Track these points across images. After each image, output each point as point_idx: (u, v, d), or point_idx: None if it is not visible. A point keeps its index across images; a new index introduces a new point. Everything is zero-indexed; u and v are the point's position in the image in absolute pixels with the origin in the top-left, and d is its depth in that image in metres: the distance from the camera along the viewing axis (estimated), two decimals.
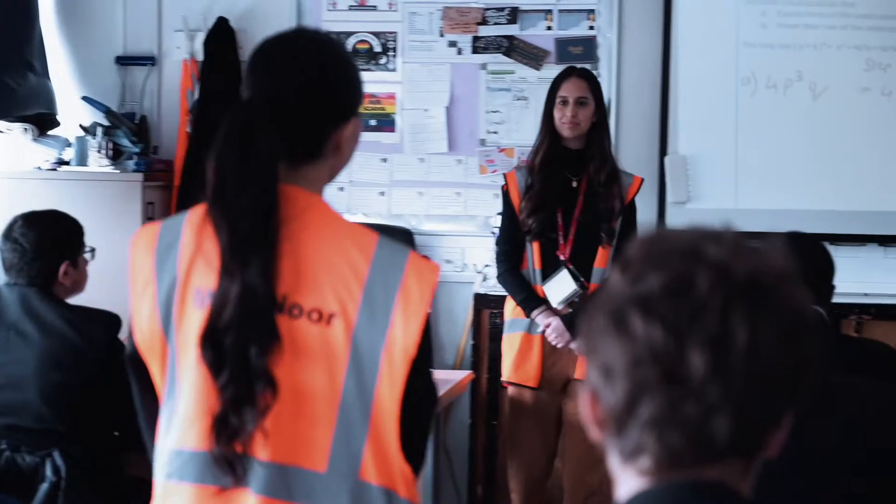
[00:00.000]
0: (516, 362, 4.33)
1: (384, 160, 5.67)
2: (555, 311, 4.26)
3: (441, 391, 3.76)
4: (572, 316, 4.22)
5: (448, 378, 4.44)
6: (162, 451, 1.95)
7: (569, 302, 4.24)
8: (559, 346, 4.23)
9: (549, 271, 4.27)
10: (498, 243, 4.49)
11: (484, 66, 5.60)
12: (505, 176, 4.43)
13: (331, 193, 5.71)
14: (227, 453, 1.85)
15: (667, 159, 5.49)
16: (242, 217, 1.85)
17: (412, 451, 1.96)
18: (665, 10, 5.49)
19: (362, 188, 5.69)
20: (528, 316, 4.31)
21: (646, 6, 5.55)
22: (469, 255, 5.59)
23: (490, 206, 5.49)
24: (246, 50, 5.73)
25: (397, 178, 5.67)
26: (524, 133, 5.59)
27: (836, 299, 5.37)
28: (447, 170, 5.63)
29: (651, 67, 5.55)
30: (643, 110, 5.59)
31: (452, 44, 5.63)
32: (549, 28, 5.62)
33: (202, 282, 1.91)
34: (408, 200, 5.66)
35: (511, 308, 4.39)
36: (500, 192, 4.49)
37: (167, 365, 1.94)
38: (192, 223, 1.94)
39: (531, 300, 4.29)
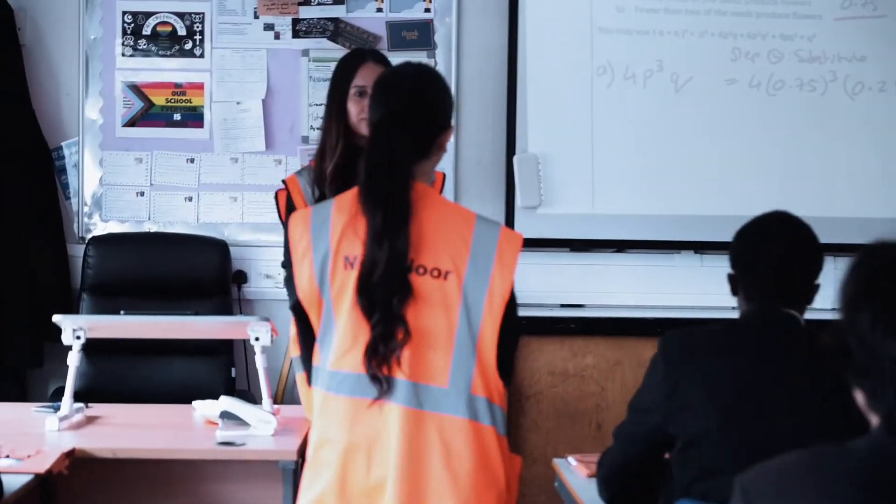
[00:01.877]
0: None
1: (191, 160, 5.14)
2: None
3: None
4: None
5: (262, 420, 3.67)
6: (321, 372, 2.68)
7: None
8: None
9: None
10: (285, 266, 3.74)
11: (306, 53, 5.13)
12: (285, 183, 3.78)
13: (130, 200, 5.08)
14: (375, 372, 2.59)
15: (515, 159, 5.04)
16: (392, 202, 2.60)
17: (505, 370, 2.69)
18: None
19: (166, 193, 5.16)
20: None
21: None
22: None
23: None
24: (25, 31, 5.08)
25: (206, 181, 5.15)
26: None
27: (701, 315, 5.08)
28: (264, 171, 5.13)
29: (496, 56, 5.11)
30: (487, 104, 5.13)
31: (269, 27, 5.13)
32: (380, 10, 5.17)
33: (350, 250, 2.64)
34: (219, 207, 5.15)
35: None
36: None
37: (323, 312, 2.66)
38: (340, 207, 2.68)
39: None
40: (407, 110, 2.71)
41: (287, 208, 3.75)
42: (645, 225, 5.04)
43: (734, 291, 2.75)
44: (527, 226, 4.95)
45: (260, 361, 3.70)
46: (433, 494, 2.60)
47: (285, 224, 3.80)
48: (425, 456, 2.60)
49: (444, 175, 4.05)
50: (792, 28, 5.09)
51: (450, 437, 2.61)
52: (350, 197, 2.69)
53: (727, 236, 4.89)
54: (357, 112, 3.66)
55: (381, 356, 2.59)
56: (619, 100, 5.05)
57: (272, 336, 3.69)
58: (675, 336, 2.68)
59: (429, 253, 2.64)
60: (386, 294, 2.59)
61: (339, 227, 2.67)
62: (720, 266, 4.98)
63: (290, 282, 3.78)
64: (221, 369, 4.81)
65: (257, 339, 3.67)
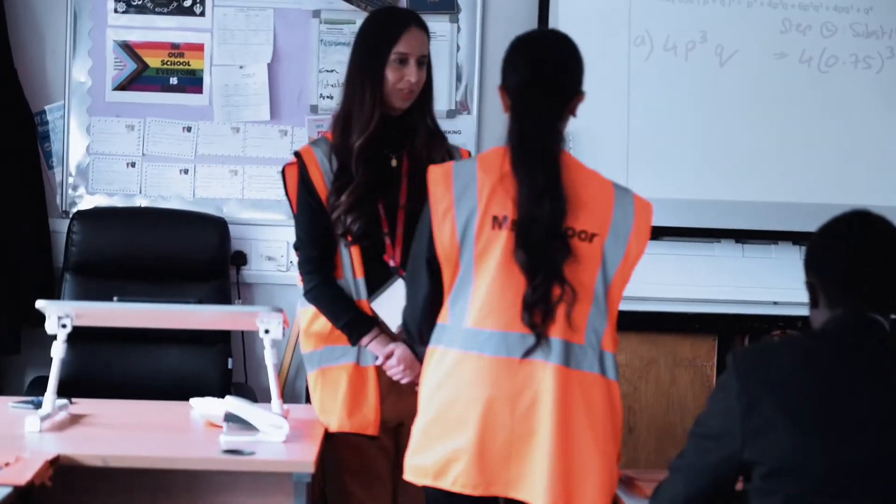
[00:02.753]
0: (349, 406, 3.42)
1: (188, 129, 4.90)
2: (391, 336, 3.40)
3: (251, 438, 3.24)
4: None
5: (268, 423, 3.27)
6: (453, 330, 2.85)
7: None
8: (404, 380, 3.38)
9: (375, 281, 3.42)
10: (299, 248, 3.52)
11: (317, 14, 4.89)
12: (298, 155, 3.46)
13: (119, 171, 4.76)
14: (535, 329, 2.79)
15: None
16: (548, 163, 2.83)
17: None
18: None
19: (159, 164, 4.91)
20: (353, 343, 3.40)
21: None
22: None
23: None
24: (16, 17, 4.81)
25: (204, 152, 4.91)
26: None
27: (742, 310, 4.79)
28: (269, 143, 4.91)
29: (524, 22, 4.82)
30: None
31: None
32: None
33: (499, 210, 2.83)
34: (218, 181, 4.92)
35: (319, 332, 3.46)
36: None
37: (460, 270, 2.85)
38: (486, 167, 2.87)
39: (360, 323, 3.39)
40: (550, 76, 2.89)
41: (301, 183, 3.40)
42: (682, 210, 4.78)
43: (813, 302, 2.53)
44: None
45: (270, 357, 3.30)
46: (580, 449, 2.79)
47: (294, 203, 3.49)
48: (574, 412, 2.78)
49: (470, 153, 3.75)
50: None
51: (588, 392, 2.81)
52: (497, 157, 2.85)
53: (771, 224, 4.71)
54: (395, 80, 3.34)
55: (541, 313, 2.77)
56: (658, 73, 4.81)
57: (283, 328, 3.31)
58: (748, 351, 2.50)
59: (579, 215, 2.83)
60: (547, 253, 2.77)
61: (488, 186, 2.83)
62: (762, 257, 4.82)
63: (306, 265, 3.50)
64: (217, 359, 4.51)
65: (267, 331, 3.28)
